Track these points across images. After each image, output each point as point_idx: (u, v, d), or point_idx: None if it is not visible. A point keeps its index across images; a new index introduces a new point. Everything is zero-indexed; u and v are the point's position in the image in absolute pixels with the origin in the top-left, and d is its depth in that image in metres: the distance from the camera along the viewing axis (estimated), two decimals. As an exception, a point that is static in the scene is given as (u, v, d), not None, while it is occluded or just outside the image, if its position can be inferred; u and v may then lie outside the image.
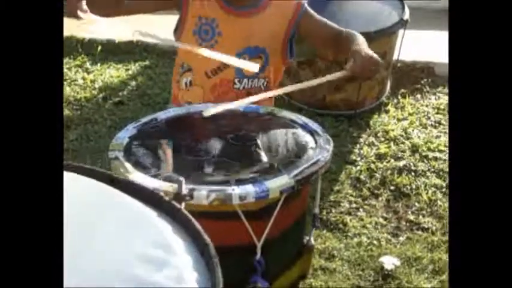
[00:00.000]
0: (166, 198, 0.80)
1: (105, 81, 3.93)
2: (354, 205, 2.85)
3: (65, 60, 4.12)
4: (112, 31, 4.29)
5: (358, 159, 3.17)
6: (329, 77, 1.65)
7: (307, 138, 1.52)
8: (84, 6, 1.57)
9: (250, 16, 1.82)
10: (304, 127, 1.57)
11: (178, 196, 0.82)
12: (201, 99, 1.84)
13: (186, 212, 0.78)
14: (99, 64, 4.12)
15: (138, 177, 1.32)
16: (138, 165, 1.39)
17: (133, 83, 3.92)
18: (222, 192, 1.28)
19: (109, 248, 0.70)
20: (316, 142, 1.49)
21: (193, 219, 0.77)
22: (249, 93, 1.84)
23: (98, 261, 0.68)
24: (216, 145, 1.49)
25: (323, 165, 1.40)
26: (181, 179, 0.91)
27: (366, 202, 2.88)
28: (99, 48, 4.27)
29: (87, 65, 4.10)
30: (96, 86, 3.88)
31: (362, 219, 2.76)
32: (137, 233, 0.73)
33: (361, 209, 2.83)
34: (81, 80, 3.93)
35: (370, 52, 1.64)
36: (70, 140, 3.33)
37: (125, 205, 0.78)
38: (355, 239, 2.64)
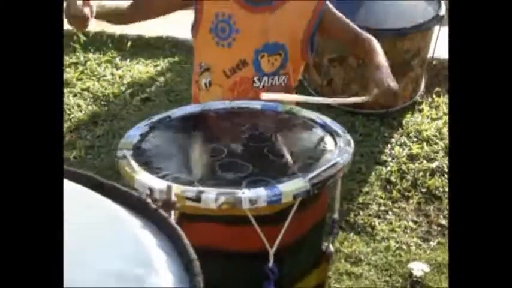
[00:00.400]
0: (153, 206, 0.73)
1: (133, 77, 3.90)
2: (383, 208, 2.75)
3: (95, 55, 4.10)
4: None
5: (389, 159, 3.06)
6: (350, 100, 1.61)
7: (326, 139, 1.43)
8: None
9: (269, 12, 1.75)
10: (324, 127, 1.48)
11: (167, 203, 0.75)
12: (220, 98, 1.77)
13: (172, 222, 0.70)
14: (128, 60, 4.08)
15: (144, 177, 1.25)
16: (147, 165, 1.32)
17: (162, 79, 3.88)
18: (231, 195, 1.20)
19: (81, 263, 0.63)
20: (336, 143, 1.41)
21: (179, 230, 0.69)
22: (268, 92, 1.77)
23: (65, 280, 0.61)
24: (229, 145, 1.42)
25: (341, 168, 1.31)
26: (170, 184, 0.83)
27: (396, 205, 2.77)
28: (129, 43, 4.24)
29: (117, 60, 4.07)
30: (125, 81, 3.85)
31: (391, 223, 2.66)
32: (115, 247, 0.66)
33: (390, 212, 2.72)
34: (109, 76, 3.90)
35: (391, 82, 1.61)
36: (96, 136, 3.30)
37: (106, 213, 0.71)
38: (383, 243, 2.54)
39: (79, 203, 0.73)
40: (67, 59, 4.07)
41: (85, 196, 0.74)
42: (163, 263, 0.66)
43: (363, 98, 1.62)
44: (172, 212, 0.77)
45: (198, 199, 1.20)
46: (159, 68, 4.01)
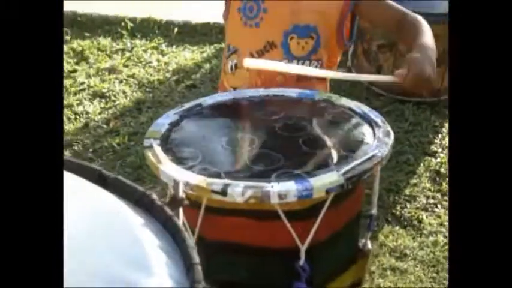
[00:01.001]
0: (159, 203, 0.67)
1: (179, 64, 3.87)
2: (432, 200, 2.63)
3: (141, 42, 4.09)
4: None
5: (439, 150, 2.93)
6: (377, 78, 1.47)
7: (365, 129, 1.35)
8: None
9: None
10: (364, 117, 1.39)
11: (174, 200, 0.69)
12: (246, 82, 1.70)
13: (177, 222, 0.64)
14: (174, 46, 4.06)
15: (170, 168, 1.20)
16: (174, 155, 1.27)
17: (207, 65, 3.83)
18: (259, 189, 1.13)
19: (70, 261, 0.58)
20: (374, 135, 1.32)
21: (183, 230, 0.63)
22: (299, 78, 1.68)
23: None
24: (261, 135, 1.35)
25: (379, 161, 1.23)
26: (178, 179, 0.77)
27: (445, 198, 2.64)
28: (176, 30, 4.22)
29: (163, 47, 4.05)
30: (170, 68, 3.83)
31: (440, 217, 2.54)
32: (110, 245, 0.61)
33: (439, 205, 2.60)
34: (155, 62, 3.89)
35: (428, 68, 1.43)
36: (140, 123, 3.29)
37: (106, 208, 0.65)
38: (431, 238, 2.43)
39: (77, 196, 0.68)
40: (114, 45, 4.07)
41: (85, 189, 0.69)
42: (162, 265, 0.60)
43: (390, 77, 1.47)
44: (181, 209, 0.70)
45: (223, 192, 1.13)
46: (205, 55, 3.97)
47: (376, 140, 1.29)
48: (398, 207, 2.59)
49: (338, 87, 3.59)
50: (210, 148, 1.31)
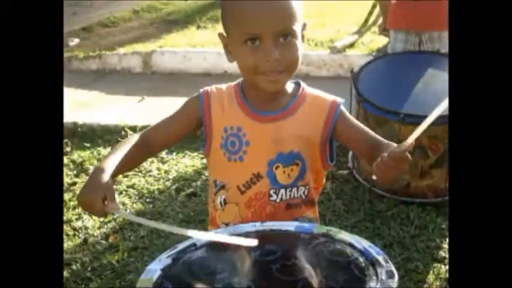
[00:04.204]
0: None
1: (179, 172, 3.85)
2: (445, 313, 2.53)
3: (141, 150, 4.09)
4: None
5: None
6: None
7: (366, 270, 1.28)
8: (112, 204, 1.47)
9: (279, 120, 1.64)
10: (364, 254, 1.33)
11: None
12: (237, 217, 1.67)
13: None
14: (174, 153, 4.06)
15: (161, 327, 1.13)
16: (167, 308, 1.20)
17: (207, 172, 3.81)
18: None
19: None
20: (377, 276, 1.25)
21: None
22: (288, 205, 1.66)
23: None
24: (258, 279, 1.28)
25: (383, 310, 1.15)
26: None
27: (459, 309, 2.53)
28: (176, 136, 4.22)
29: (163, 154, 4.05)
30: (170, 176, 3.81)
31: (454, 331, 2.42)
32: None
33: (452, 318, 2.49)
34: (155, 171, 3.87)
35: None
36: (140, 237, 3.23)
37: None
38: None
39: None
40: (114, 155, 4.06)
41: None
42: None
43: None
44: None
45: None
46: (205, 161, 3.94)
47: (379, 283, 1.22)
48: (410, 322, 2.49)
49: (340, 190, 3.56)
50: (205, 298, 1.24)
